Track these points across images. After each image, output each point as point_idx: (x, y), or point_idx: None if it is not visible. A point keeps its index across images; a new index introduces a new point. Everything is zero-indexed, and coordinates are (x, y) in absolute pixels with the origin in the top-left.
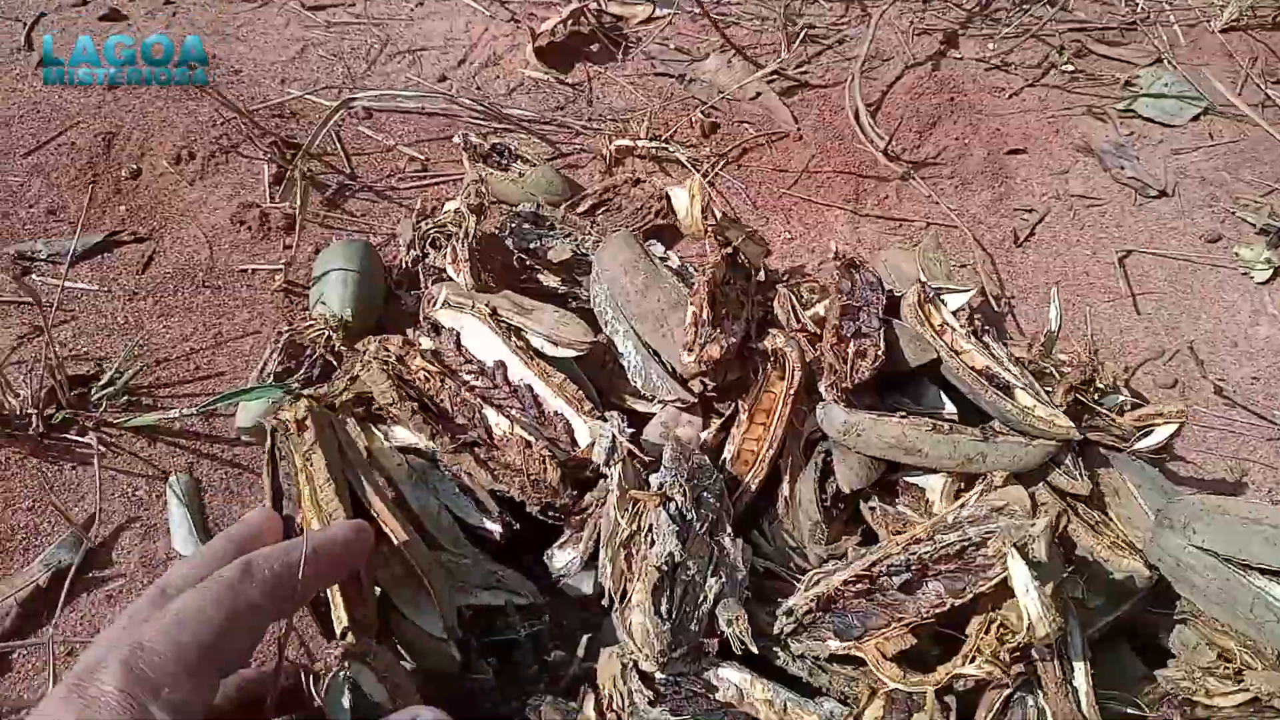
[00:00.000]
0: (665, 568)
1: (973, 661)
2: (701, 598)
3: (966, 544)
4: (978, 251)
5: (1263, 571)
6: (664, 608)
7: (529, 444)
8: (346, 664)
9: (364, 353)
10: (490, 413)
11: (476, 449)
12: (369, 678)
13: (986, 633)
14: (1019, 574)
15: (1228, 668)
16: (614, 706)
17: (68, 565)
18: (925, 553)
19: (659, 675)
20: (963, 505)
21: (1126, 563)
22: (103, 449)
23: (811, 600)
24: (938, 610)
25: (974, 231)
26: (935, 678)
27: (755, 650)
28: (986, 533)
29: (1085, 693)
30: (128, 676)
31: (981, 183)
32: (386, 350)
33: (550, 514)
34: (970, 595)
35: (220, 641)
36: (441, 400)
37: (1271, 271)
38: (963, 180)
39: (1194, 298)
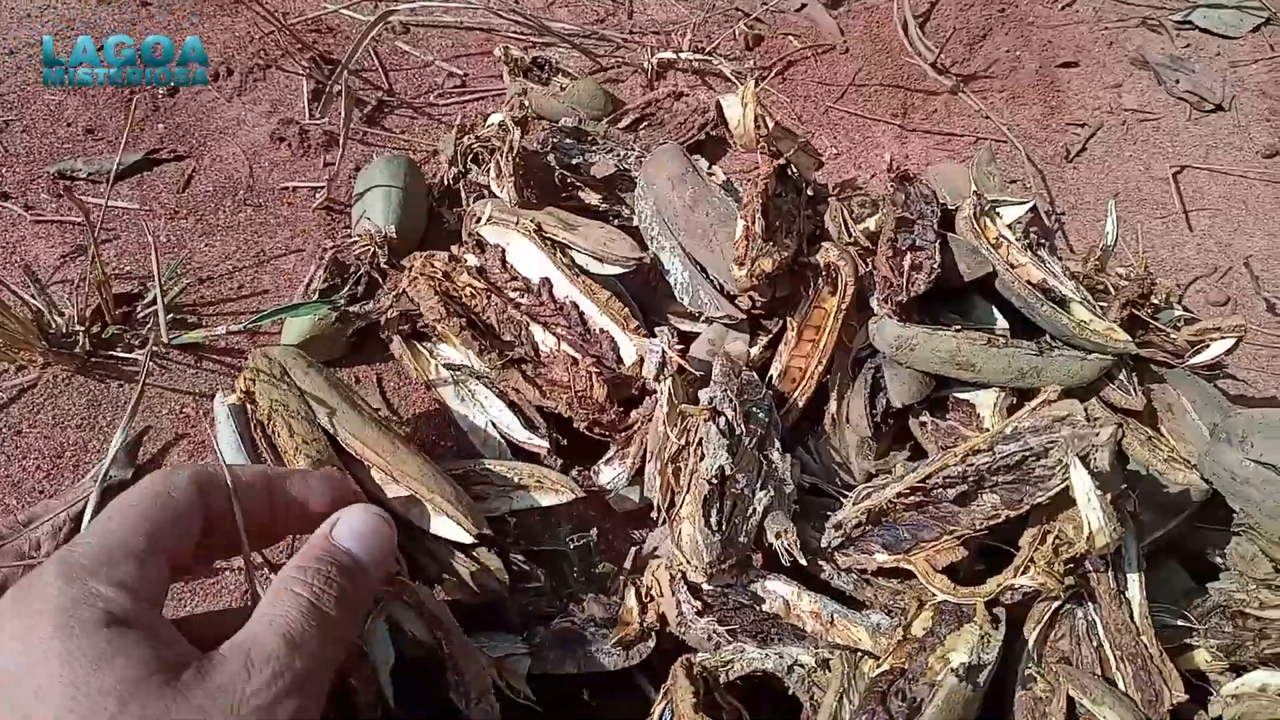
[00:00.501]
0: (715, 480)
1: (1025, 572)
2: (750, 510)
3: (1027, 454)
4: (1029, 167)
5: None
6: (714, 519)
7: (575, 361)
8: (380, 604)
9: (410, 269)
10: (537, 330)
11: (523, 365)
12: (407, 614)
13: (1041, 544)
14: (1081, 483)
15: None
16: (655, 599)
17: (119, 481)
18: (984, 464)
19: (706, 586)
20: (1021, 417)
21: (1183, 476)
22: (151, 365)
23: (861, 513)
24: (992, 522)
25: (1025, 147)
26: (987, 589)
27: (804, 562)
28: (1049, 442)
29: (1139, 603)
30: (61, 566)
31: (1032, 96)
32: (433, 266)
33: (597, 430)
34: (1027, 506)
35: (156, 530)
36: (488, 317)
37: None
38: (1013, 94)
39: (1248, 214)
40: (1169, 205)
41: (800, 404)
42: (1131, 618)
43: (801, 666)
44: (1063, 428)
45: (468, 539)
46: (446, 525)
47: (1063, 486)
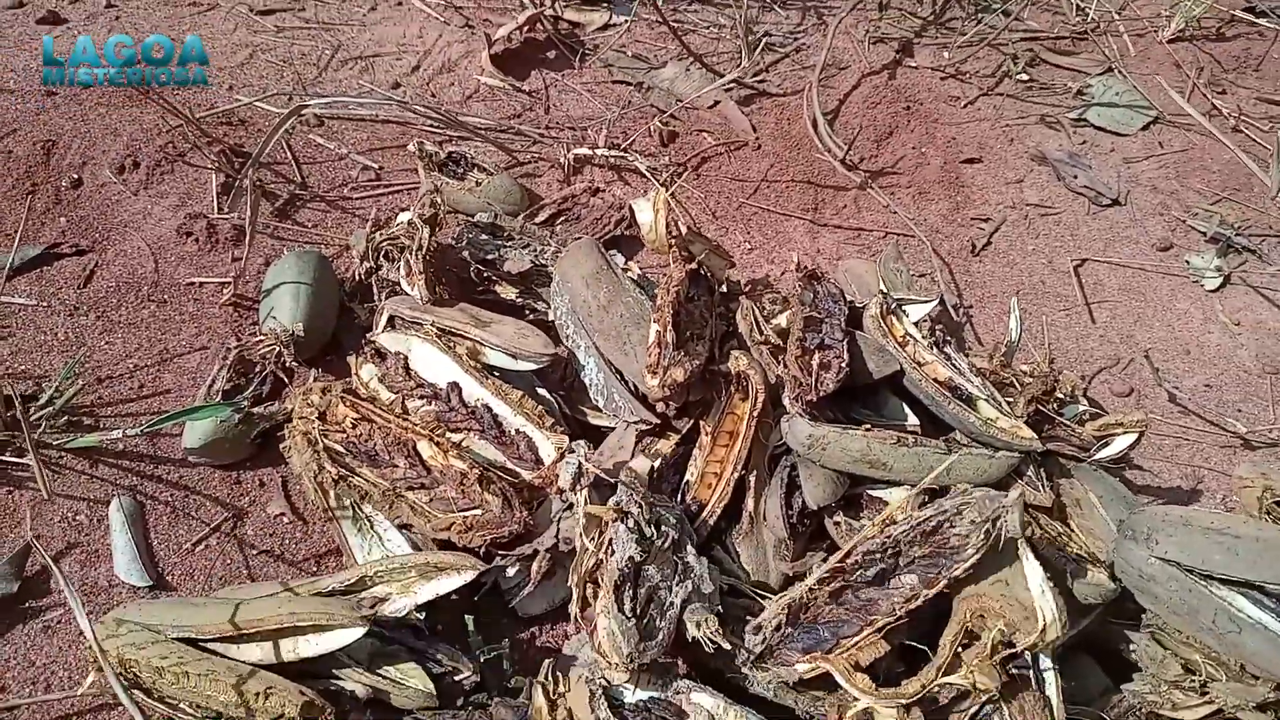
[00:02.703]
0: (627, 569)
1: (954, 671)
2: (668, 604)
3: (942, 519)
4: (936, 261)
5: (1224, 582)
6: (627, 607)
7: (464, 475)
8: None
9: (290, 418)
10: (424, 447)
11: (412, 491)
12: None
13: (965, 642)
14: (1034, 573)
15: (1193, 681)
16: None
17: (4, 593)
18: (901, 532)
19: (628, 699)
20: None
21: (1093, 574)
22: (48, 484)
23: (782, 612)
24: (911, 605)
25: (931, 241)
26: (911, 689)
27: (727, 646)
28: (962, 504)
29: (1057, 705)
30: None
31: (938, 192)
32: (308, 406)
33: (500, 549)
34: (945, 581)
35: None
36: (372, 444)
37: (1221, 279)
38: (920, 189)
39: (1147, 305)
40: (1072, 297)
41: (718, 510)
42: (1053, 718)
43: None
44: (974, 491)
45: (357, 634)
46: (332, 639)
47: (976, 558)
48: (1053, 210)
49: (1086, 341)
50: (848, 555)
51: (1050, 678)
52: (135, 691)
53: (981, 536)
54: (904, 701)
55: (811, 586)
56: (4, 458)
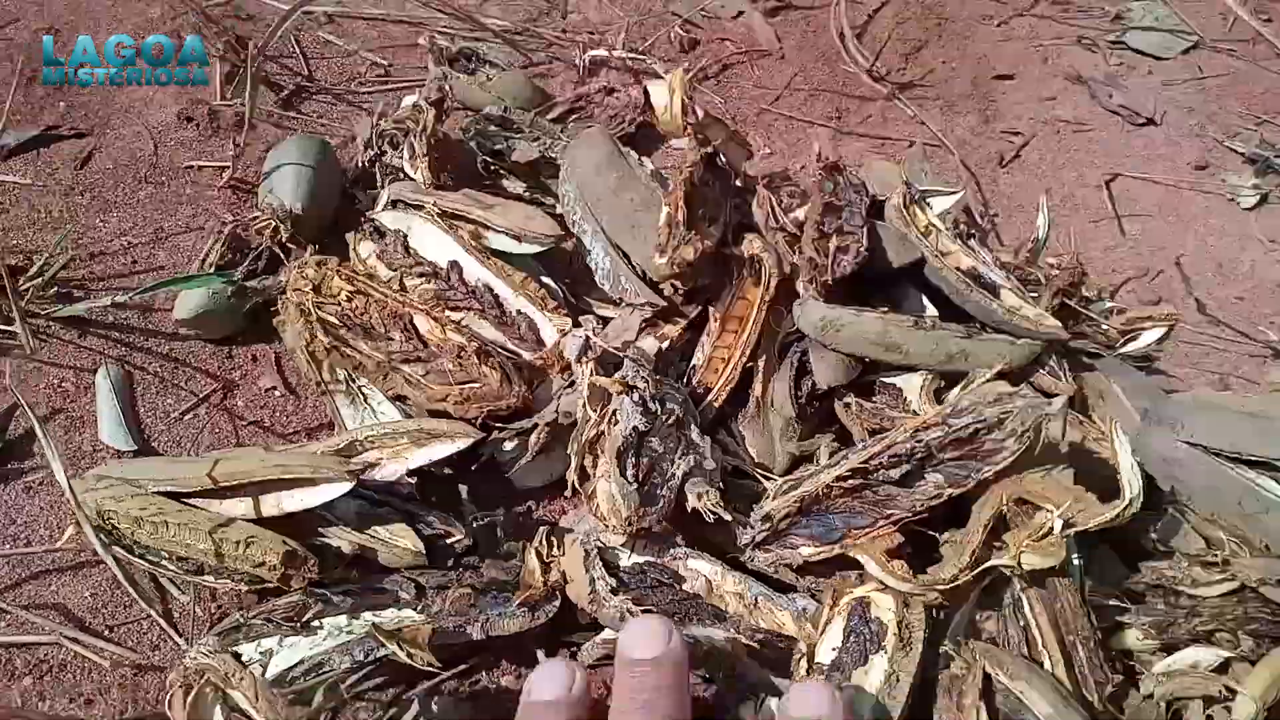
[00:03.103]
0: (631, 437)
1: (993, 549)
2: (669, 474)
3: (980, 426)
4: (963, 171)
5: (1252, 464)
6: (629, 472)
7: (463, 348)
8: None
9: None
10: (421, 321)
11: (408, 364)
12: None
13: (994, 526)
14: (1124, 450)
15: (1215, 555)
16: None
17: None
18: (934, 439)
19: (623, 562)
20: (962, 396)
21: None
22: (31, 339)
23: (794, 503)
24: (934, 502)
25: (959, 152)
26: (946, 574)
27: (728, 518)
28: (1003, 413)
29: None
30: None
31: (968, 106)
32: (303, 279)
33: (498, 422)
34: (973, 483)
35: None
36: (368, 318)
37: (1259, 198)
38: (948, 103)
39: (1179, 221)
40: (1102, 210)
41: (723, 395)
42: (1082, 600)
43: (716, 649)
44: (1016, 399)
45: (344, 488)
46: (318, 494)
47: (1011, 460)
48: (1086, 127)
49: (1115, 252)
50: (873, 457)
51: (1076, 560)
52: (115, 548)
53: (1020, 442)
54: (940, 588)
55: (829, 484)
56: None
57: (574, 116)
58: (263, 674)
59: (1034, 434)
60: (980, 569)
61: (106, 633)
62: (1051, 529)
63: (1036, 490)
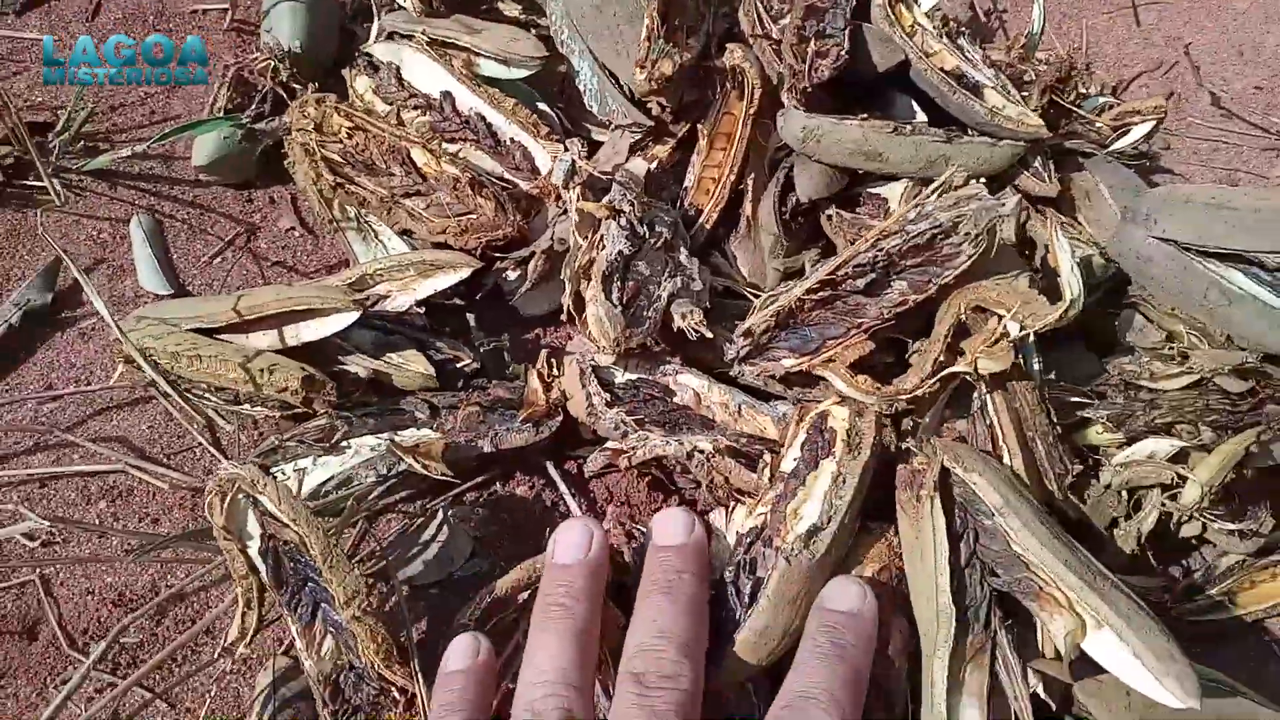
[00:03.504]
0: (617, 261)
1: (952, 356)
2: (655, 295)
3: (936, 231)
4: None
5: (1220, 257)
6: (615, 295)
7: (457, 180)
8: None
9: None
10: (418, 154)
11: (409, 198)
12: None
13: (954, 333)
14: (1064, 252)
15: (1173, 347)
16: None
17: (39, 304)
18: (894, 246)
19: (618, 379)
20: (927, 197)
21: (1081, 250)
22: (65, 193)
23: (770, 317)
24: (899, 309)
25: None
26: (909, 384)
27: (709, 335)
28: (957, 217)
29: (1039, 381)
30: None
31: None
32: (304, 118)
33: (498, 252)
34: (935, 288)
35: None
36: (368, 154)
37: None
38: None
39: (1200, 6)
40: (1117, 0)
41: (714, 215)
42: (1039, 397)
43: (701, 453)
44: (970, 202)
45: (352, 317)
46: (329, 323)
47: (969, 264)
48: None
49: (1128, 45)
50: (839, 268)
51: (1036, 368)
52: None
53: (976, 246)
54: (904, 397)
55: (800, 295)
56: (29, 182)
57: None
58: (298, 489)
59: (988, 236)
60: (940, 376)
61: (165, 460)
62: (1004, 333)
63: (990, 296)
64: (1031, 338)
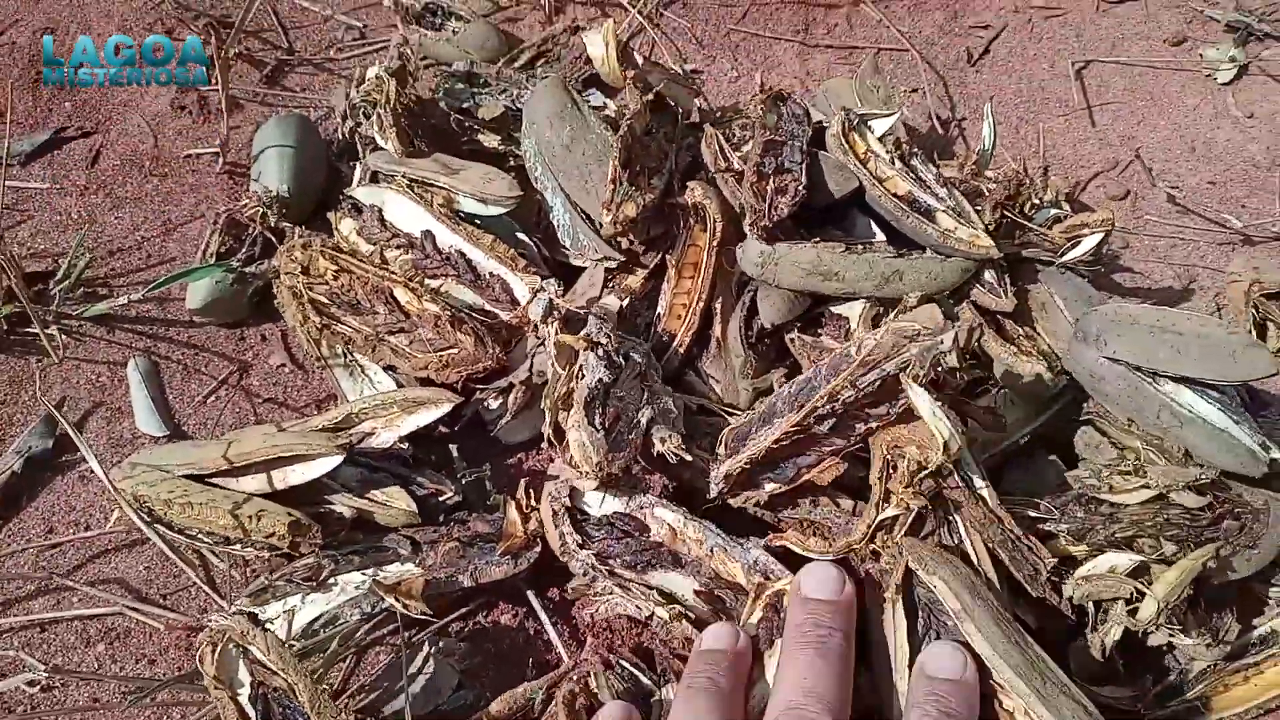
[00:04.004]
0: (597, 389)
1: (888, 501)
2: (635, 421)
3: (885, 379)
4: (929, 74)
5: (1170, 379)
6: (597, 421)
7: (438, 317)
8: None
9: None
10: (400, 293)
11: (393, 336)
12: None
13: (891, 473)
14: (922, 401)
15: (1129, 464)
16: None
17: (40, 450)
18: (848, 398)
19: (594, 513)
20: (873, 338)
21: (1029, 366)
22: (64, 339)
23: (744, 462)
24: (865, 433)
25: (926, 54)
26: (857, 535)
27: (689, 459)
28: (902, 364)
29: (989, 495)
30: None
31: (935, 2)
32: (292, 262)
33: (477, 383)
34: (895, 414)
35: None
36: (353, 294)
37: (1236, 70)
38: (915, 2)
39: (1153, 105)
40: (1071, 102)
41: (686, 340)
42: (990, 510)
43: (660, 618)
44: (911, 346)
45: (335, 461)
46: (315, 467)
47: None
48: (1058, 11)
49: (1084, 146)
50: (802, 420)
51: (977, 477)
52: (157, 525)
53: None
54: (857, 545)
55: (769, 447)
56: (29, 330)
57: (542, 61)
58: (288, 629)
59: (934, 370)
60: (879, 522)
61: (161, 600)
62: (916, 472)
63: (904, 434)
64: (967, 460)
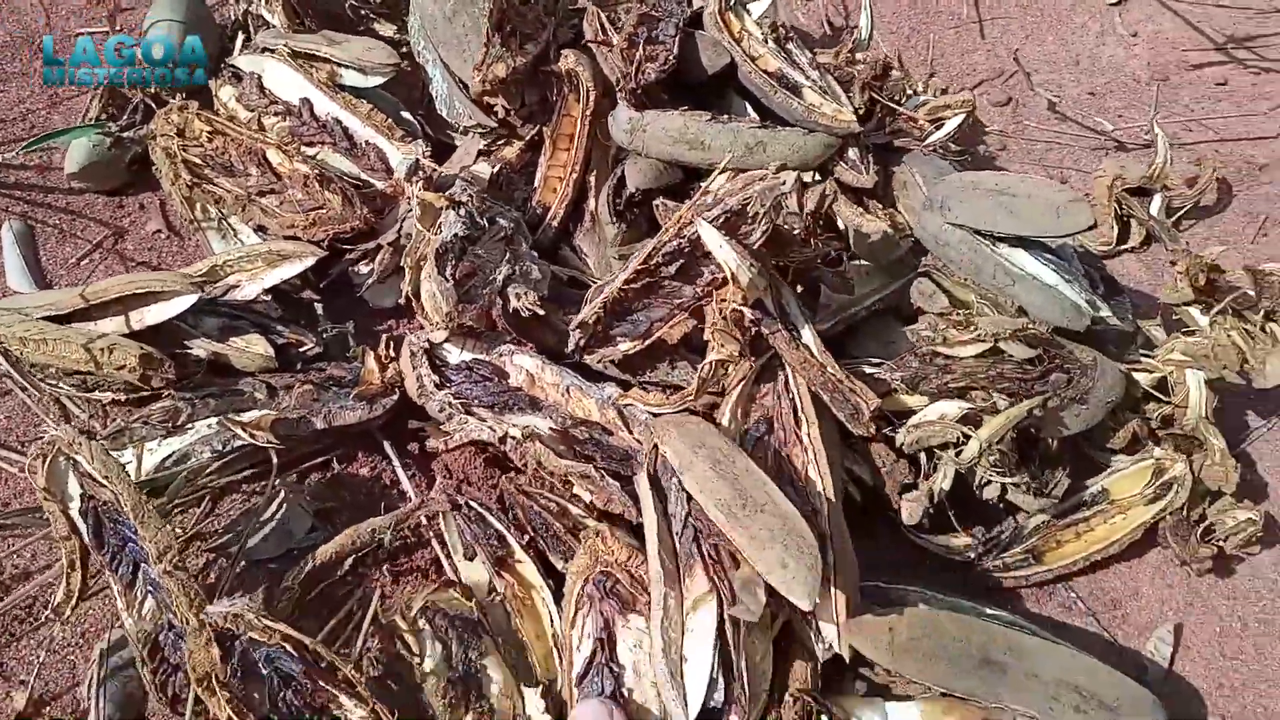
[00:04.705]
0: (452, 243)
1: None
2: (491, 277)
3: (729, 215)
4: None
5: (1006, 240)
6: (448, 272)
7: (307, 177)
8: None
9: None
10: (273, 154)
11: (264, 196)
12: None
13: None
14: (708, 233)
15: (961, 314)
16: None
17: None
18: (692, 233)
19: (451, 360)
20: (724, 182)
21: (875, 225)
22: None
23: (599, 308)
24: (712, 286)
25: None
26: (692, 389)
27: (541, 313)
28: (744, 199)
29: (814, 342)
30: None
31: None
32: (168, 125)
33: (344, 244)
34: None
35: None
36: (226, 156)
37: None
38: None
39: (1042, 20)
40: (963, 15)
41: (561, 209)
42: (811, 355)
43: (513, 437)
44: (753, 184)
45: (190, 300)
46: (170, 306)
47: (763, 239)
48: None
49: (972, 56)
50: (649, 257)
51: (806, 329)
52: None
53: (765, 222)
54: (693, 399)
55: (621, 286)
56: None
57: None
58: (137, 467)
59: (775, 211)
60: (708, 372)
61: (20, 447)
62: (725, 314)
63: (729, 289)
64: (793, 310)
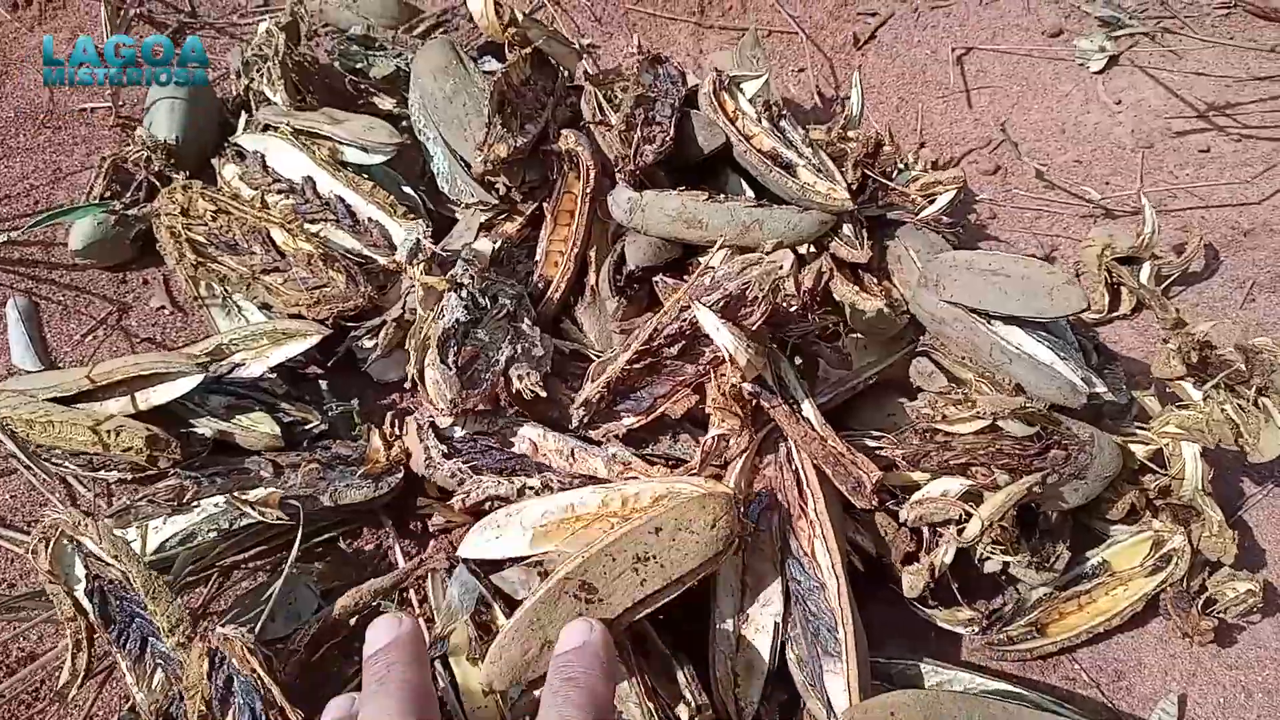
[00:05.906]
0: (454, 328)
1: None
2: (494, 359)
3: (729, 299)
4: (816, 56)
5: (1000, 318)
6: (450, 359)
7: (311, 256)
8: None
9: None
10: (277, 234)
11: (269, 275)
12: None
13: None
14: (707, 320)
15: (959, 392)
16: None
17: None
18: (692, 317)
19: (457, 434)
20: (723, 263)
21: (871, 303)
22: None
23: (602, 387)
24: (715, 364)
25: (815, 37)
26: (694, 464)
27: (543, 394)
28: (744, 284)
29: (815, 416)
30: None
31: None
32: (172, 203)
33: (348, 322)
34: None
35: None
36: (231, 234)
37: (1106, 60)
38: None
39: (1028, 90)
40: (950, 85)
41: (563, 285)
42: (812, 429)
43: (530, 489)
44: (753, 269)
45: (194, 380)
46: (175, 387)
47: (763, 320)
48: (944, 2)
49: (960, 125)
50: (651, 338)
51: (806, 402)
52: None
53: (764, 305)
54: (700, 477)
55: (623, 366)
56: None
57: (440, 29)
58: (142, 548)
59: (773, 294)
60: (711, 444)
61: (25, 527)
62: (725, 391)
63: (730, 367)
64: (792, 384)
